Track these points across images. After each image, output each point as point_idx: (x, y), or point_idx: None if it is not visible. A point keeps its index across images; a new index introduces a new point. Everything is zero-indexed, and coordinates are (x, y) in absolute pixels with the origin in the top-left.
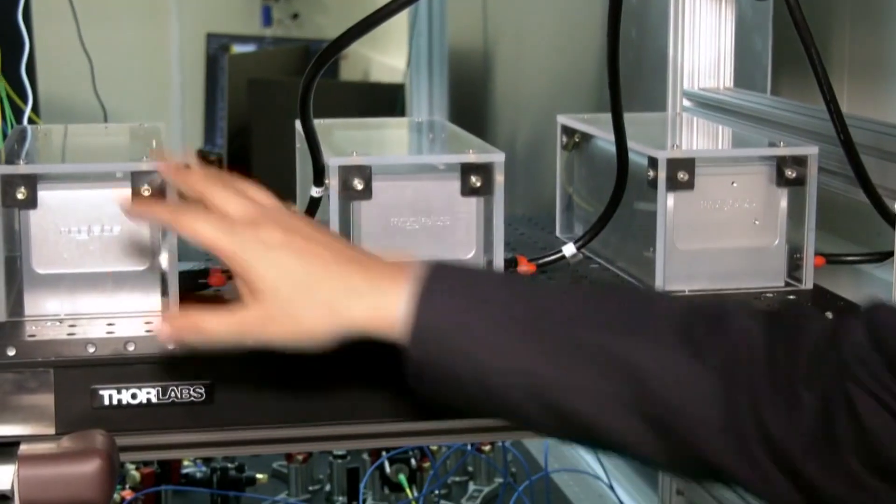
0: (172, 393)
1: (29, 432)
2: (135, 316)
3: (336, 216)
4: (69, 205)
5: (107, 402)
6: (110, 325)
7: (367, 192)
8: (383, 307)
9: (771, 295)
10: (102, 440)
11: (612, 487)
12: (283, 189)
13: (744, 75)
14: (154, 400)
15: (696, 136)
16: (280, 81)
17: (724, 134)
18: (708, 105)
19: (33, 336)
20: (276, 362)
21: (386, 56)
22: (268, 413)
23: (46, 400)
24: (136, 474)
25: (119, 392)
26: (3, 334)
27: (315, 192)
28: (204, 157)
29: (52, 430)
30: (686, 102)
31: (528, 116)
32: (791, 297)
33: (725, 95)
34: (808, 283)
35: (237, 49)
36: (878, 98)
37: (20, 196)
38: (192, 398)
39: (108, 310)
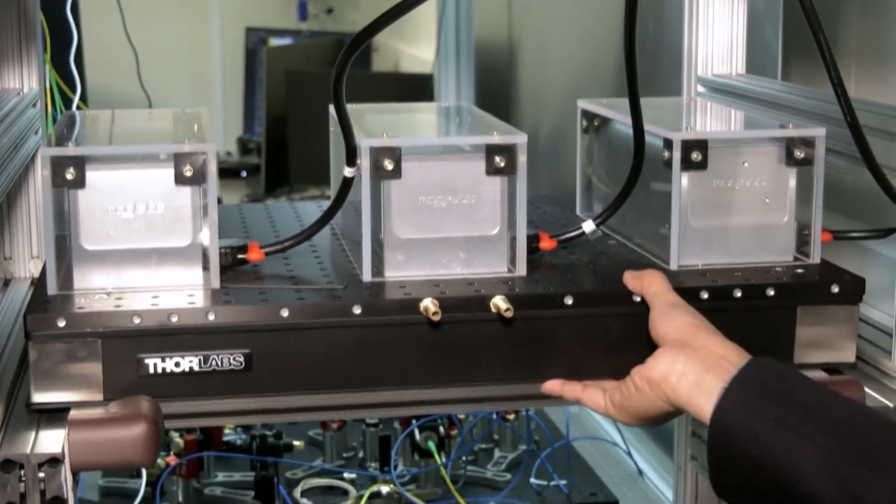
0: (213, 361)
1: (78, 399)
2: (177, 289)
3: (367, 195)
4: (115, 185)
5: (151, 370)
6: (154, 297)
7: (396, 172)
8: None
9: (780, 269)
10: (148, 406)
11: (630, 454)
12: (318, 172)
13: (755, 62)
14: (196, 368)
15: (710, 119)
16: (315, 73)
17: (736, 117)
18: (721, 90)
19: (82, 308)
20: (310, 334)
21: (415, 48)
22: (303, 381)
23: (95, 368)
24: (179, 441)
25: (163, 361)
26: (54, 307)
27: (348, 172)
28: (244, 144)
29: (100, 397)
30: (700, 88)
31: (550, 103)
32: (799, 270)
33: (738, 81)
34: (815, 258)
35: (275, 42)
36: (884, 82)
37: (69, 176)
38: (232, 367)
39: (153, 284)
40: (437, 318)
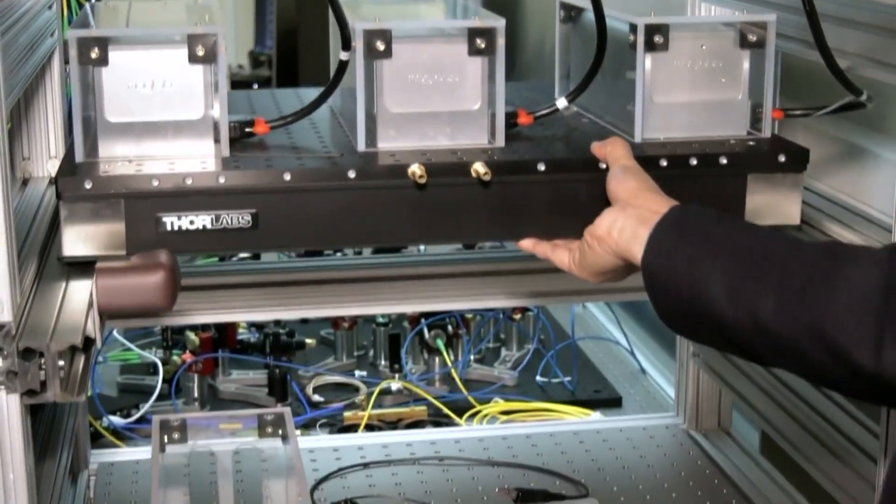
0: (224, 220)
1: (104, 253)
2: (191, 158)
3: (361, 73)
4: (135, 63)
5: (169, 227)
6: (171, 164)
7: (387, 53)
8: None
9: (734, 142)
10: (166, 257)
11: (632, 353)
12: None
13: None
14: (208, 226)
15: (672, 7)
16: None
17: (697, 5)
18: None
19: (107, 172)
20: (309, 195)
21: None
22: (303, 237)
23: (118, 226)
24: (195, 339)
25: (179, 219)
26: (81, 171)
27: (343, 55)
28: (255, 57)
29: (123, 252)
30: None
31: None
32: (751, 143)
33: None
34: (766, 133)
35: None
36: None
37: (94, 55)
38: (240, 225)
39: (169, 153)
40: (423, 181)
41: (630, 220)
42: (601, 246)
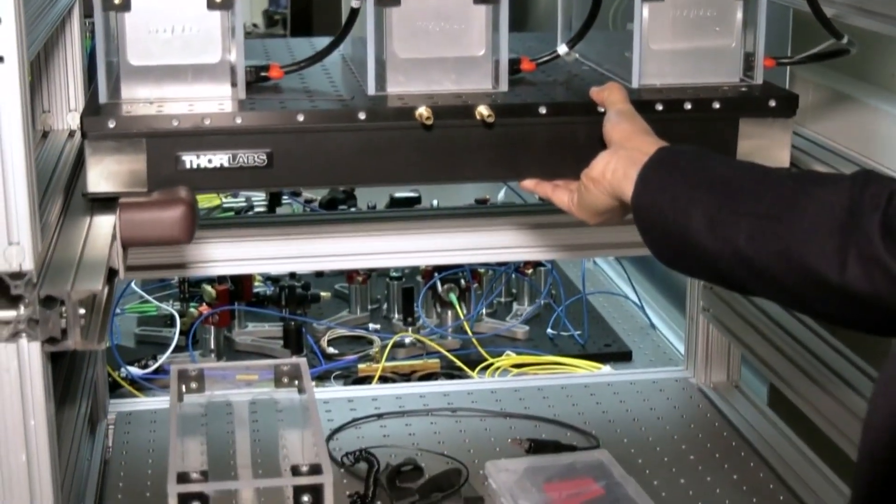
0: (240, 158)
1: (126, 189)
2: (209, 100)
3: (372, 20)
4: (156, 8)
5: (188, 165)
6: (190, 105)
7: (396, 0)
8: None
9: (727, 88)
10: (186, 193)
11: (642, 308)
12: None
13: None
14: (226, 164)
15: None
16: None
17: None
18: None
19: (129, 113)
20: (322, 136)
21: None
22: (316, 176)
23: (140, 164)
24: (212, 291)
25: (198, 157)
26: (105, 112)
27: (354, 3)
28: (269, 16)
29: (144, 189)
30: None
31: None
32: (744, 89)
33: None
34: (758, 80)
35: None
36: None
37: (117, 1)
38: (256, 163)
39: (189, 95)
40: (429, 122)
41: (622, 161)
42: (596, 187)
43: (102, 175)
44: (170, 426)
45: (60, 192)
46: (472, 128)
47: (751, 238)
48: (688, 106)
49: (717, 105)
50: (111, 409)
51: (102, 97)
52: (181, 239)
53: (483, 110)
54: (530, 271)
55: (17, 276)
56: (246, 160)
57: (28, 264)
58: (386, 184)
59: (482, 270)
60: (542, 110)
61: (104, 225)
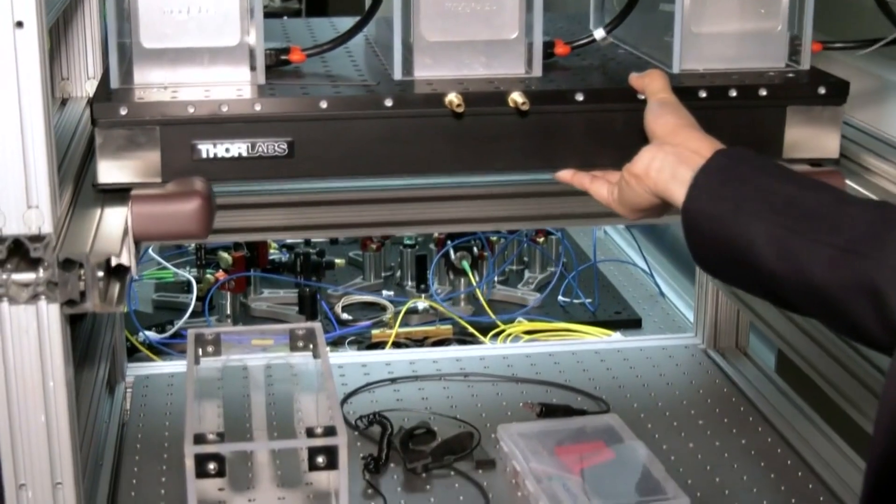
0: (259, 148)
1: (139, 180)
2: (227, 85)
3: (398, 1)
4: None
5: (204, 154)
6: (207, 91)
7: None
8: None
9: (773, 73)
10: (202, 184)
11: (652, 276)
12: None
13: None
14: (244, 154)
15: None
16: None
17: None
18: None
19: (142, 99)
20: (345, 123)
21: None
22: (339, 166)
23: (153, 153)
24: (228, 258)
25: (215, 146)
26: (117, 98)
27: None
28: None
29: (158, 179)
30: None
31: None
32: (791, 75)
33: None
34: (805, 65)
35: None
36: None
37: None
38: (276, 153)
39: (205, 80)
40: (460, 109)
41: (669, 159)
42: (639, 184)
43: (113, 165)
44: (186, 389)
45: (70, 181)
46: (506, 116)
47: (827, 269)
48: (733, 93)
49: (763, 92)
50: (129, 372)
51: (114, 82)
52: (197, 234)
53: (517, 97)
54: (542, 240)
55: (37, 238)
56: (265, 149)
57: (47, 227)
58: (413, 175)
59: (494, 238)
60: (580, 97)
61: (115, 218)
